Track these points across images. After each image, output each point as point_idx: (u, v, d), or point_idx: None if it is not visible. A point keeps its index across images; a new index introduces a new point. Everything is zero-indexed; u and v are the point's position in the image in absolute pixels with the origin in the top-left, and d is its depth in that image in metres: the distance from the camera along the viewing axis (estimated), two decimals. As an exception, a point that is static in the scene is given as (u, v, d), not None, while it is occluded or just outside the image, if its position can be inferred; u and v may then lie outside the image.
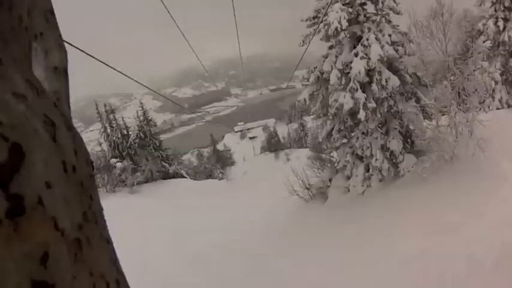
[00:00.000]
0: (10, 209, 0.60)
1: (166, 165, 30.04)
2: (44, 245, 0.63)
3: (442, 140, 8.18)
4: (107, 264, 0.92)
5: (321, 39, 10.92)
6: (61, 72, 1.33)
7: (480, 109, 8.61)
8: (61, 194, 0.71)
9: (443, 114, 8.50)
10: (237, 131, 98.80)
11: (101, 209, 1.00)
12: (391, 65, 10.09)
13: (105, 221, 1.01)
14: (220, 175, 44.19)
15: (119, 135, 28.76)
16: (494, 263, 4.39)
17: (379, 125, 10.08)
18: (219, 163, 54.49)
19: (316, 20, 10.87)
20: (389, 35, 9.44)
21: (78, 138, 0.89)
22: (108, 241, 0.98)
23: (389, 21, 10.28)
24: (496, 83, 17.94)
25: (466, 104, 7.95)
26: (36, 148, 0.67)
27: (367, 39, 9.41)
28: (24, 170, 0.63)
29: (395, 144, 9.65)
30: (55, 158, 0.73)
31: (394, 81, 9.25)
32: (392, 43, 9.60)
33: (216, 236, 13.05)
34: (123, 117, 30.78)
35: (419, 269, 5.23)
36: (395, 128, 9.87)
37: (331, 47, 11.13)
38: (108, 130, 28.79)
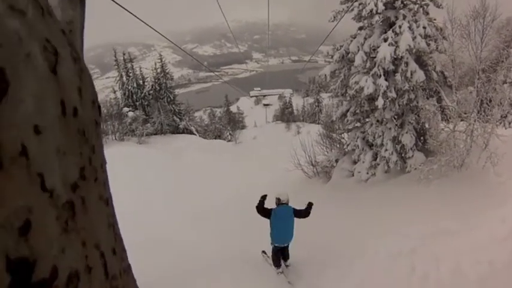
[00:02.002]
0: None
1: (178, 119, 30.15)
2: (25, 211, 0.50)
3: (455, 145, 8.01)
4: (103, 230, 0.80)
5: (352, 18, 10.57)
6: (77, 0, 1.20)
7: (501, 123, 8.29)
8: (54, 142, 0.57)
9: (461, 120, 8.24)
10: (252, 96, 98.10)
11: (104, 163, 0.88)
12: (419, 58, 9.74)
13: (106, 176, 0.89)
14: (229, 136, 44.31)
15: (134, 85, 28.83)
16: (479, 278, 4.39)
17: (395, 116, 9.88)
18: (229, 125, 54.54)
19: (352, -3, 10.49)
20: (424, 28, 9.03)
21: (86, 75, 0.74)
22: (107, 202, 0.86)
23: (426, 13, 9.81)
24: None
25: (487, 115, 7.68)
26: (26, 78, 0.52)
27: (400, 27, 9.04)
28: (5, 105, 0.48)
29: (407, 138, 9.48)
30: (51, 94, 0.58)
31: (420, 75, 8.95)
32: (426, 36, 9.22)
33: (214, 195, 13.27)
34: (140, 68, 30.68)
35: (404, 268, 5.27)
36: (411, 123, 9.66)
37: (361, 28, 10.76)
38: (124, 78, 28.86)
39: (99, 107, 0.83)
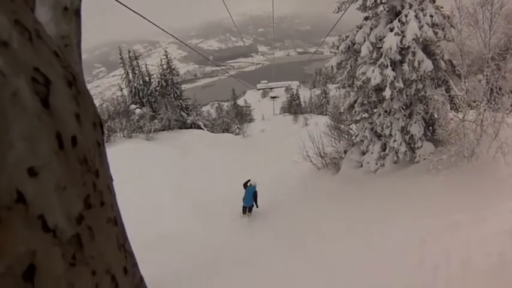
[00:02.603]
0: None
1: (185, 115, 30.19)
2: (28, 256, 0.47)
3: (465, 135, 7.89)
4: (114, 253, 0.77)
5: (357, 8, 10.46)
6: (72, 13, 1.14)
7: (511, 112, 8.13)
8: (52, 180, 0.54)
9: (471, 109, 8.10)
10: (259, 89, 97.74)
11: (110, 182, 0.82)
12: (426, 47, 9.60)
13: (114, 194, 0.83)
14: (237, 130, 44.29)
15: (141, 82, 28.88)
16: (489, 269, 4.34)
17: (403, 107, 9.77)
18: (237, 118, 54.52)
19: (355, -13, 10.36)
20: (431, 16, 8.88)
21: (85, 97, 0.68)
22: (116, 221, 0.81)
23: (433, 1, 9.66)
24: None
25: (497, 104, 7.54)
26: (14, 121, 0.48)
27: (406, 16, 8.91)
28: None
29: (416, 128, 9.39)
30: (45, 130, 0.53)
31: (427, 65, 8.82)
32: (433, 25, 9.06)
33: (222, 189, 13.34)
34: (146, 64, 30.71)
35: (414, 260, 5.24)
36: (419, 113, 9.55)
37: (366, 18, 10.63)
38: (130, 76, 28.93)
39: (101, 124, 0.77)
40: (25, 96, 0.50)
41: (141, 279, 1.02)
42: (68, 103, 0.61)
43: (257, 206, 11.00)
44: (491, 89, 7.58)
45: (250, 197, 10.82)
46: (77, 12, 1.15)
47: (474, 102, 7.92)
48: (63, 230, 0.55)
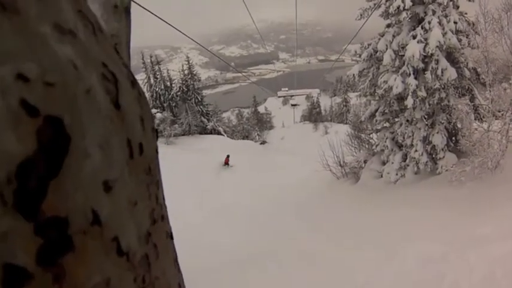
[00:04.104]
0: (44, 248, 0.34)
1: (205, 120, 30.43)
2: (103, 286, 0.41)
3: (489, 146, 7.67)
4: (172, 270, 0.72)
5: (380, 15, 10.36)
6: (122, 11, 1.10)
7: None
8: (125, 195, 0.47)
9: (496, 119, 7.88)
10: (280, 96, 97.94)
11: (163, 192, 0.75)
12: (450, 55, 9.40)
13: (166, 207, 0.76)
14: (257, 137, 44.41)
15: (162, 87, 29.31)
16: (512, 287, 4.19)
17: (426, 116, 9.57)
18: (257, 125, 54.70)
19: (378, -6, 10.28)
20: (455, 23, 8.71)
21: (144, 99, 0.60)
22: (172, 234, 0.76)
23: (457, 7, 9.48)
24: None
25: None
26: (90, 124, 0.40)
27: (429, 23, 8.77)
28: (69, 168, 0.37)
29: (438, 139, 9.18)
30: (118, 136, 0.46)
31: (451, 73, 8.63)
32: (457, 31, 8.89)
33: (242, 195, 13.37)
34: (167, 70, 31.26)
35: (435, 274, 5.08)
36: (442, 123, 9.34)
37: (389, 26, 10.52)
38: (152, 80, 29.46)
39: (156, 130, 0.68)
40: (99, 95, 0.43)
41: None
42: (134, 105, 0.53)
43: None
44: (517, 98, 7.35)
45: None
46: (127, 10, 1.13)
47: (499, 111, 7.68)
48: (135, 252, 0.49)
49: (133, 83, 0.56)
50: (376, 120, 11.52)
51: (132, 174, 0.49)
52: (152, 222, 0.56)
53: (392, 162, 10.69)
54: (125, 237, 0.46)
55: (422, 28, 8.96)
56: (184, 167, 16.44)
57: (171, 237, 0.74)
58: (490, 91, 8.04)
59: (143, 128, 0.55)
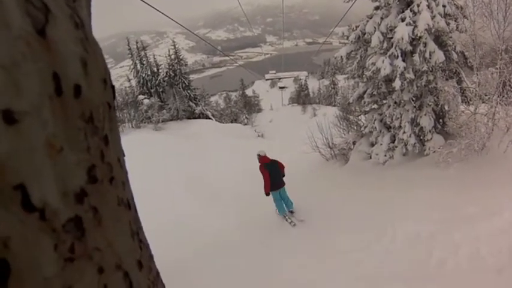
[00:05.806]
0: None
1: (193, 105, 30.20)
2: None
3: (476, 128, 7.78)
4: (126, 243, 0.61)
5: (368, -3, 10.31)
6: None
7: None
8: (41, 134, 0.40)
9: (483, 102, 7.96)
10: (267, 79, 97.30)
11: (121, 156, 0.68)
12: (438, 38, 9.38)
13: (126, 172, 0.68)
14: (245, 120, 44.32)
15: (149, 72, 28.94)
16: (498, 264, 4.30)
17: (413, 98, 9.62)
18: (245, 108, 54.59)
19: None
20: (444, 6, 8.68)
21: (93, 45, 0.54)
22: (129, 205, 0.65)
23: (446, -10, 9.49)
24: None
25: (509, 97, 7.38)
26: None
27: (418, 5, 8.72)
28: None
29: (426, 120, 9.26)
30: (35, 64, 0.39)
31: (439, 56, 8.63)
32: (445, 15, 8.88)
33: (230, 177, 13.41)
34: (154, 55, 30.78)
35: (422, 252, 5.23)
36: (429, 105, 9.39)
37: (377, 8, 10.44)
38: (138, 66, 29.02)
39: (112, 87, 0.61)
40: (12, 11, 0.37)
41: (157, 273, 0.89)
42: (72, 43, 0.46)
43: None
44: (504, 82, 7.42)
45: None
46: None
47: (486, 95, 7.77)
48: (56, 210, 0.40)
49: (78, 25, 0.50)
50: (365, 102, 11.54)
51: (58, 114, 0.42)
52: (90, 180, 0.48)
53: (381, 144, 10.77)
54: (37, 189, 0.38)
55: (411, 11, 8.92)
56: (173, 153, 16.36)
57: (129, 207, 0.64)
58: (477, 75, 8.11)
59: (85, 72, 0.48)
